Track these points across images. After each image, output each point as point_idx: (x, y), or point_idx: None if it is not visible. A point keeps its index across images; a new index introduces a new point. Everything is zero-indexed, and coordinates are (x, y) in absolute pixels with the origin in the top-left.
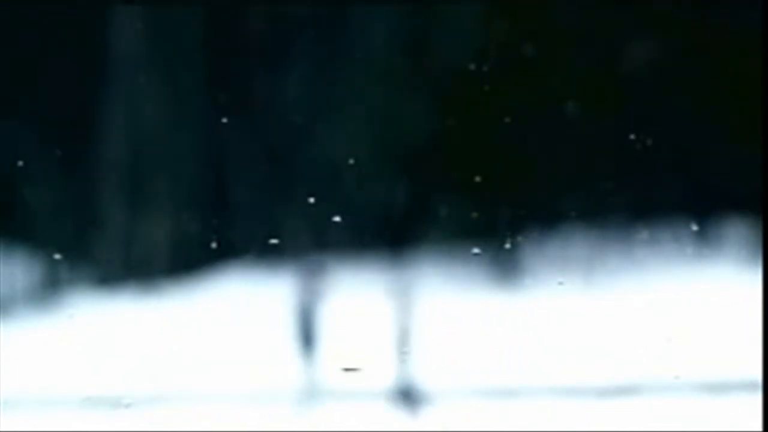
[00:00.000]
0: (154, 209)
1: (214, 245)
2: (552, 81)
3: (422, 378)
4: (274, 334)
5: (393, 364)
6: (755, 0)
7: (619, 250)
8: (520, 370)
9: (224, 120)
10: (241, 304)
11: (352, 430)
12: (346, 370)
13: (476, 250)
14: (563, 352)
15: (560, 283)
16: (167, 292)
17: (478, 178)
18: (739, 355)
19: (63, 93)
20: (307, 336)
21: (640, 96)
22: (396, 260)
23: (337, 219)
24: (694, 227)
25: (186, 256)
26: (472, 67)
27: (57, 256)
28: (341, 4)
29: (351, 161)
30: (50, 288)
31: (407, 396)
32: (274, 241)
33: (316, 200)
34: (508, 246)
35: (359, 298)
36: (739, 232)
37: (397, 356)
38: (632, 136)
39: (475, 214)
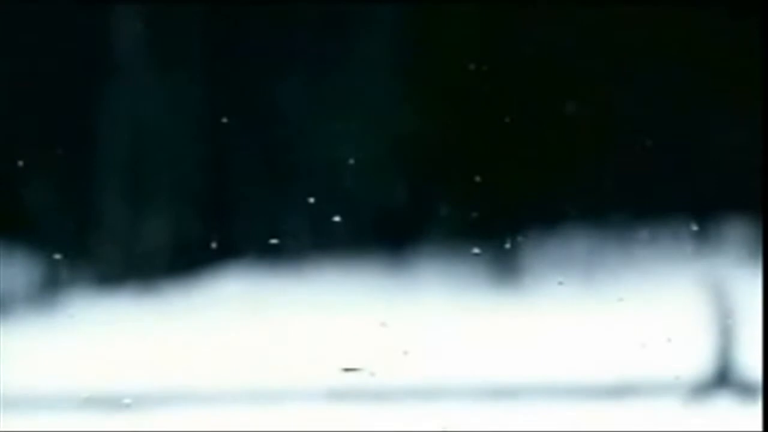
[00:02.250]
0: (154, 209)
1: (214, 245)
2: (552, 81)
3: (421, 378)
4: (274, 334)
5: (396, 365)
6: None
7: (619, 250)
8: (519, 369)
9: (224, 120)
10: (241, 304)
11: (355, 430)
12: (346, 370)
13: (476, 250)
14: (563, 352)
15: (560, 283)
16: (167, 292)
17: (478, 178)
18: (739, 355)
19: (62, 92)
20: None
21: (640, 96)
22: (396, 260)
23: (337, 219)
24: (694, 227)
25: (186, 256)
26: (472, 67)
27: (57, 256)
28: (341, 4)
29: (351, 161)
30: (50, 288)
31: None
32: (274, 241)
33: (316, 200)
34: (508, 246)
35: (358, 298)
36: (739, 232)
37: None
38: (632, 137)
39: (475, 214)
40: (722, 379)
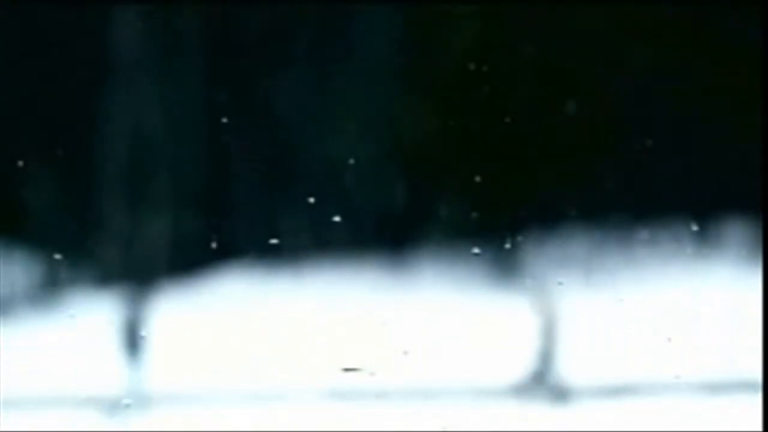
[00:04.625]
0: (154, 209)
1: (214, 245)
2: (552, 81)
3: (421, 378)
4: (274, 334)
5: (396, 365)
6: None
7: (619, 250)
8: (518, 370)
9: (224, 120)
10: (241, 304)
11: (355, 430)
12: (346, 370)
13: (476, 250)
14: (563, 352)
15: (560, 283)
16: (167, 292)
17: (478, 178)
18: (739, 355)
19: (62, 92)
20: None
21: (640, 96)
22: (396, 260)
23: (337, 219)
24: (694, 227)
25: (186, 256)
26: (472, 67)
27: (57, 256)
28: (341, 4)
29: (351, 161)
30: (50, 288)
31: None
32: (274, 241)
33: (316, 200)
34: (508, 246)
35: (358, 298)
36: (739, 232)
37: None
38: (632, 137)
39: (475, 214)
40: (540, 380)
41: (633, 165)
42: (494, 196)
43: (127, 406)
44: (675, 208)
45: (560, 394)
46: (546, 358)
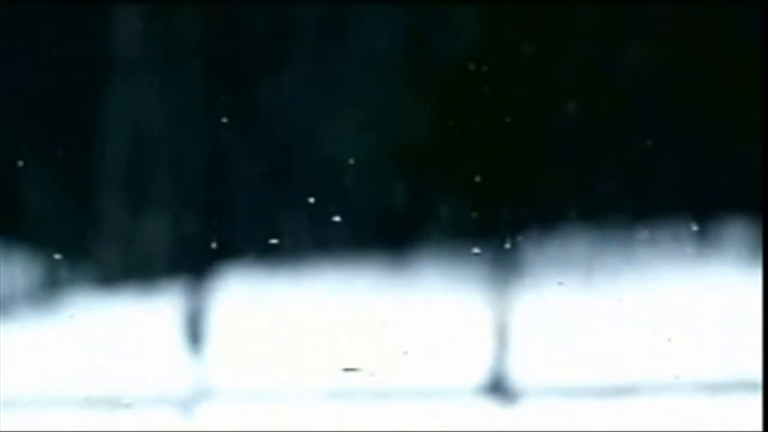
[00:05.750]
0: (154, 209)
1: (214, 245)
2: (552, 81)
3: (421, 378)
4: (274, 334)
5: (396, 365)
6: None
7: (619, 250)
8: (518, 370)
9: (224, 120)
10: (241, 304)
11: (355, 430)
12: (346, 370)
13: (476, 250)
14: (562, 352)
15: (560, 283)
16: (167, 292)
17: (478, 178)
18: (739, 355)
19: (62, 92)
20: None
21: (640, 96)
22: (396, 260)
23: (337, 219)
24: (694, 227)
25: (186, 256)
26: (472, 67)
27: (57, 256)
28: (341, 4)
29: (351, 161)
30: (50, 288)
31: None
32: (274, 241)
33: (316, 200)
34: (508, 246)
35: (358, 298)
36: (739, 232)
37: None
38: (632, 137)
39: (475, 214)
40: (496, 385)
41: (633, 165)
42: (494, 196)
43: (128, 405)
44: (675, 208)
45: (516, 395)
46: (499, 360)
